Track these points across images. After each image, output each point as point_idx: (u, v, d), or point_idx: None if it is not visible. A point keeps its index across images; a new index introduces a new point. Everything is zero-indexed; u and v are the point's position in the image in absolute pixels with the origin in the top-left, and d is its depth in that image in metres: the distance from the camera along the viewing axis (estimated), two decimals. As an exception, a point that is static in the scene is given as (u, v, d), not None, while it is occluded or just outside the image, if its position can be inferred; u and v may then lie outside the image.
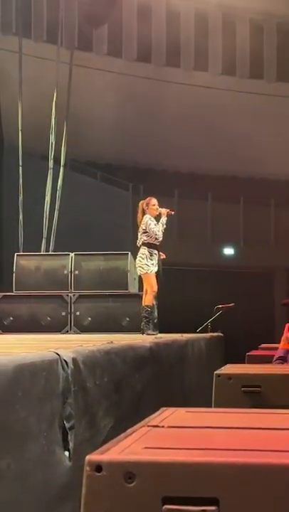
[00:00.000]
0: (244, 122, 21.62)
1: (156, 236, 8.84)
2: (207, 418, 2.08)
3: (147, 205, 9.00)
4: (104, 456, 1.41)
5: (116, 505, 1.37)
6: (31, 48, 17.78)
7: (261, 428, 1.83)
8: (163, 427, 1.79)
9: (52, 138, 14.60)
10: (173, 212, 9.33)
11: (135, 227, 9.31)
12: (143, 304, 8.94)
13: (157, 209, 9.03)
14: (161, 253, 9.01)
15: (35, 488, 2.94)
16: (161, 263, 9.01)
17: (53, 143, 14.62)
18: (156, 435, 1.68)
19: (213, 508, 1.33)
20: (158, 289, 8.92)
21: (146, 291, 8.97)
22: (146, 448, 1.49)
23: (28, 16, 19.62)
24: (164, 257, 9.07)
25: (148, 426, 1.77)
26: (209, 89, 22.11)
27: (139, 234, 8.95)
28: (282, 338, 4.90)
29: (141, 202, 9.15)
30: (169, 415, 2.00)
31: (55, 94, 14.70)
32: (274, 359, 4.72)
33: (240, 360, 6.53)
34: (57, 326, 10.19)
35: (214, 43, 23.32)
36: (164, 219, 8.97)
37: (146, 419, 1.88)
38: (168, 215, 9.05)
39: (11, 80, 15.73)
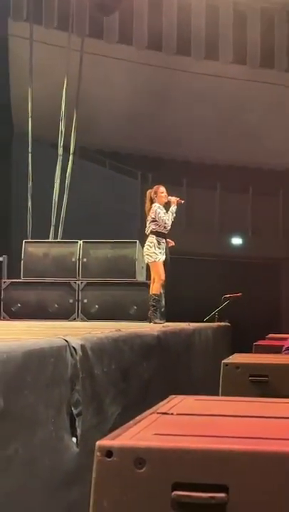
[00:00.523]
0: (254, 112, 21.55)
1: (166, 225, 8.82)
2: (215, 406, 2.08)
3: (155, 193, 8.97)
4: (114, 442, 1.42)
5: (126, 491, 1.38)
6: (42, 35, 17.75)
7: (270, 417, 1.84)
8: (172, 414, 1.80)
9: (62, 125, 14.58)
10: (183, 201, 9.30)
11: (143, 215, 9.30)
12: (150, 293, 8.95)
13: (166, 196, 8.99)
14: (169, 240, 8.99)
15: (42, 473, 2.95)
16: (169, 252, 9.00)
17: (63, 130, 14.60)
18: (166, 422, 1.69)
19: (222, 494, 1.34)
20: (165, 277, 8.91)
21: (154, 279, 8.96)
22: (156, 434, 1.50)
23: (39, 2, 19.58)
24: (173, 244, 9.05)
25: (157, 413, 1.78)
26: (220, 79, 22.03)
27: (147, 222, 8.94)
28: None
29: (149, 191, 9.12)
30: (177, 403, 2.01)
31: (65, 82, 14.67)
32: (283, 349, 4.72)
33: (247, 349, 6.54)
34: (64, 313, 10.22)
35: (225, 31, 23.22)
36: (173, 208, 8.95)
37: (156, 407, 1.89)
38: (178, 204, 9.03)
39: (21, 67, 15.71)
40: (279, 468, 1.35)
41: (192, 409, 1.91)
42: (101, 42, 21.51)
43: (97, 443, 1.41)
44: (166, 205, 8.98)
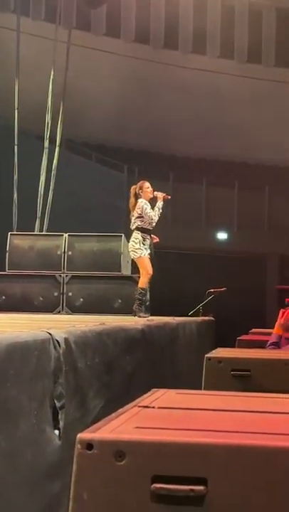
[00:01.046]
0: (241, 107, 21.60)
1: (152, 221, 8.82)
2: (197, 400, 2.10)
3: (141, 188, 8.96)
4: (95, 435, 1.43)
5: (106, 483, 1.39)
6: (29, 27, 17.70)
7: (250, 411, 1.85)
8: (153, 407, 1.81)
9: (48, 118, 14.54)
10: (170, 197, 9.30)
11: (129, 210, 9.30)
12: (138, 286, 8.96)
13: (152, 192, 9.00)
14: (154, 236, 9.01)
15: (24, 466, 2.96)
16: (154, 247, 9.01)
17: (49, 122, 14.57)
18: (147, 415, 1.70)
19: (201, 487, 1.36)
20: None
21: (142, 273, 8.97)
22: (136, 427, 1.51)
23: (27, -7, 19.50)
24: (158, 240, 9.07)
25: (139, 406, 1.80)
26: (207, 73, 22.05)
27: (132, 218, 8.93)
28: (276, 324, 4.91)
29: (133, 187, 9.11)
30: (159, 396, 2.02)
31: (52, 74, 14.63)
32: (267, 344, 4.73)
33: (231, 344, 6.56)
34: (49, 306, 10.21)
35: (213, 26, 23.23)
36: (160, 203, 8.94)
37: (137, 400, 1.90)
38: (164, 200, 9.03)
39: (8, 58, 15.66)
40: (257, 461, 1.36)
41: (173, 403, 1.92)
42: (88, 34, 21.47)
43: (78, 436, 1.42)
44: (153, 201, 8.98)
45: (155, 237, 9.04)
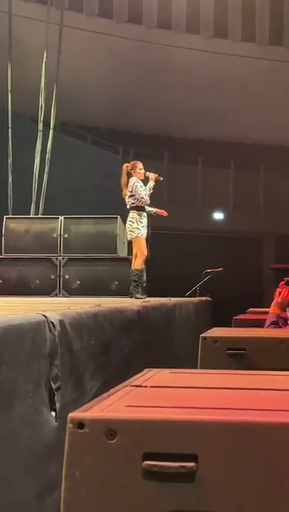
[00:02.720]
0: (236, 87, 21.52)
1: (143, 199, 8.83)
2: (190, 379, 2.11)
3: (133, 168, 8.96)
4: (86, 414, 1.44)
5: (97, 461, 1.40)
6: (21, 8, 17.58)
7: (242, 388, 1.86)
8: (146, 386, 1.82)
9: (41, 100, 14.49)
10: (161, 179, 9.30)
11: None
12: (132, 268, 8.97)
13: (144, 173, 9.00)
14: (161, 210, 9.06)
15: (21, 447, 2.98)
16: (151, 226, 9.03)
17: (43, 105, 14.51)
18: (139, 394, 1.71)
19: (191, 464, 1.37)
20: (147, 252, 8.94)
21: (136, 255, 8.98)
22: (128, 406, 1.52)
23: (18, -25, 19.33)
24: (165, 213, 9.13)
25: (131, 386, 1.81)
26: (201, 52, 21.95)
27: (126, 197, 8.94)
28: (273, 303, 4.90)
29: (125, 165, 9.11)
30: (152, 376, 2.03)
31: (44, 55, 14.56)
32: (267, 324, 4.73)
33: (228, 324, 6.57)
34: (46, 289, 10.23)
35: (205, 4, 23.07)
36: (151, 183, 8.95)
37: (130, 379, 1.91)
38: (156, 180, 9.03)
39: (0, 41, 15.55)
40: (247, 437, 1.37)
41: (166, 382, 1.94)
42: (81, 15, 21.33)
43: (69, 415, 1.43)
44: (144, 182, 8.99)
45: (163, 211, 9.09)
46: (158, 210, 9.12)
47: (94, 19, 21.94)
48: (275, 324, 4.70)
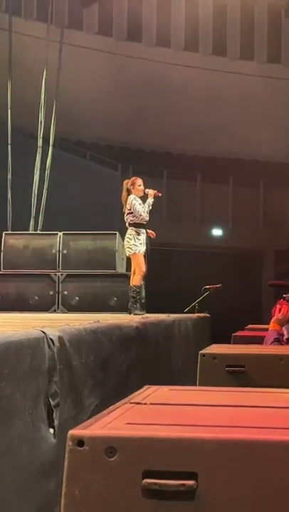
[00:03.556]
0: (235, 104, 21.60)
1: (141, 216, 8.83)
2: (190, 396, 2.11)
3: (132, 184, 8.97)
4: (86, 431, 1.44)
5: (97, 479, 1.40)
6: (21, 26, 17.68)
7: (242, 406, 1.86)
8: (145, 403, 1.82)
9: (41, 116, 14.54)
10: (160, 194, 9.31)
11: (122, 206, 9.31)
12: (131, 284, 8.97)
13: (143, 190, 9.01)
14: (151, 232, 9.02)
15: (20, 464, 2.97)
16: (150, 242, 9.02)
17: (43, 121, 14.56)
18: (138, 411, 1.71)
19: (192, 482, 1.37)
20: (146, 269, 8.93)
21: (134, 271, 8.98)
22: (127, 424, 1.52)
23: (19, -7, 19.47)
24: (154, 235, 9.07)
25: (130, 403, 1.80)
26: (200, 70, 22.06)
27: (124, 214, 8.95)
28: (273, 320, 4.89)
29: (125, 181, 9.13)
30: (151, 393, 2.02)
31: (44, 73, 14.63)
32: (269, 342, 4.70)
33: (226, 340, 6.57)
34: (45, 305, 10.21)
35: (204, 22, 23.20)
36: (150, 200, 8.95)
37: (129, 396, 1.91)
38: (155, 197, 9.04)
39: (0, 58, 15.63)
40: (246, 455, 1.37)
41: (166, 399, 1.93)
42: (80, 33, 21.44)
43: (69, 432, 1.43)
44: (143, 198, 8.99)
45: (152, 232, 9.05)
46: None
47: (93, 37, 22.05)
48: (277, 341, 4.68)
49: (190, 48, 23.02)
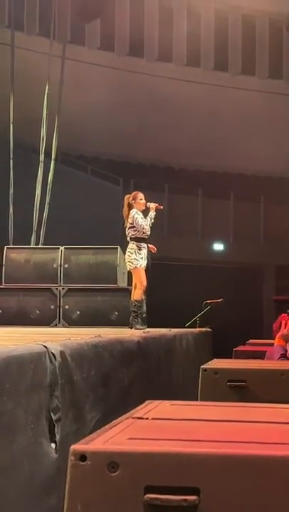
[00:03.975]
0: (236, 119, 21.66)
1: (144, 230, 8.84)
2: (191, 411, 2.11)
3: (134, 199, 8.99)
4: (88, 446, 1.44)
5: (99, 494, 1.40)
6: (24, 41, 17.75)
7: (244, 421, 1.86)
8: (147, 418, 1.82)
9: (43, 131, 14.60)
10: (162, 207, 9.33)
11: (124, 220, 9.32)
12: (132, 299, 8.97)
13: (145, 203, 9.03)
14: (152, 246, 9.02)
15: (21, 479, 2.97)
16: (151, 257, 9.03)
17: (44, 136, 14.62)
18: (140, 426, 1.71)
19: (194, 497, 1.37)
20: (147, 283, 8.94)
21: (136, 285, 8.98)
22: (129, 439, 1.52)
23: (21, 9, 19.58)
24: (155, 249, 9.08)
25: (132, 418, 1.81)
26: (202, 85, 22.13)
27: (126, 229, 8.96)
28: (278, 335, 4.88)
29: (126, 196, 9.15)
30: (153, 408, 2.03)
31: (47, 88, 14.70)
32: (277, 357, 4.69)
33: (227, 355, 6.56)
34: (46, 319, 10.21)
35: (206, 38, 23.32)
36: (152, 213, 8.97)
37: (131, 411, 1.91)
38: (157, 210, 9.06)
39: (3, 73, 15.71)
40: (248, 470, 1.37)
41: (167, 414, 1.94)
42: (82, 48, 21.54)
43: (72, 447, 1.43)
44: (145, 212, 9.01)
45: (153, 247, 9.06)
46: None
47: (95, 52, 22.15)
48: (284, 357, 4.68)
49: (192, 63, 23.12)
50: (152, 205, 9.02)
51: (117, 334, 5.68)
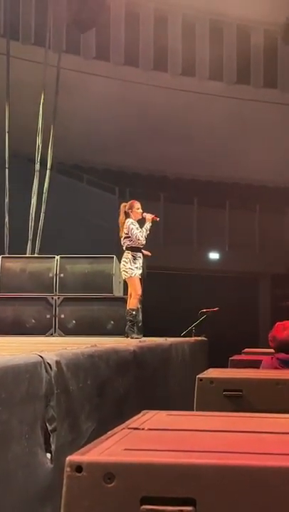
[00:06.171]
0: (231, 128, 21.72)
1: (139, 241, 8.84)
2: (187, 421, 2.10)
3: (131, 208, 8.99)
4: (84, 457, 1.43)
5: (95, 505, 1.39)
6: (19, 50, 17.78)
7: (240, 431, 1.86)
8: (143, 429, 1.81)
9: (38, 141, 14.60)
10: (158, 219, 9.32)
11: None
12: (127, 308, 8.96)
13: (141, 213, 9.03)
14: (146, 252, 9.01)
15: (16, 489, 2.95)
16: (146, 266, 9.02)
17: (40, 146, 14.62)
18: (136, 437, 1.71)
19: (190, 508, 1.36)
20: (142, 292, 8.93)
21: (131, 294, 8.98)
22: (125, 449, 1.51)
23: (17, 18, 19.63)
24: (149, 254, 9.06)
25: (128, 428, 1.80)
26: (196, 94, 22.19)
27: (121, 238, 8.96)
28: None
29: (123, 204, 9.15)
30: (149, 418, 2.02)
31: (42, 97, 14.71)
32: (279, 363, 4.66)
33: (223, 364, 6.55)
34: (41, 329, 10.19)
35: (201, 48, 23.41)
36: (148, 225, 8.96)
37: (127, 422, 1.90)
38: (153, 221, 9.06)
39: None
40: (244, 481, 1.37)
41: (163, 425, 1.93)
42: (78, 58, 21.59)
43: (68, 458, 1.43)
44: (140, 222, 9.00)
45: (147, 252, 9.04)
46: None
47: (91, 61, 22.21)
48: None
49: (187, 72, 23.19)
50: (148, 216, 9.02)
51: (113, 343, 5.67)
